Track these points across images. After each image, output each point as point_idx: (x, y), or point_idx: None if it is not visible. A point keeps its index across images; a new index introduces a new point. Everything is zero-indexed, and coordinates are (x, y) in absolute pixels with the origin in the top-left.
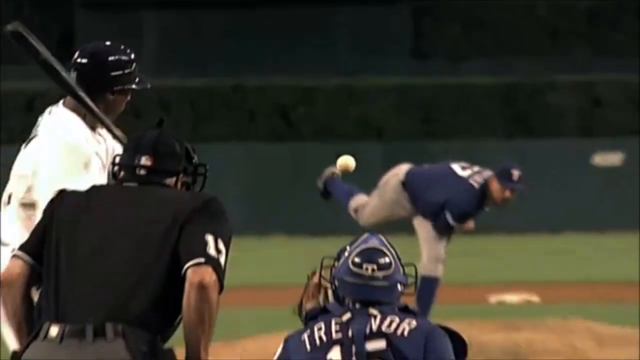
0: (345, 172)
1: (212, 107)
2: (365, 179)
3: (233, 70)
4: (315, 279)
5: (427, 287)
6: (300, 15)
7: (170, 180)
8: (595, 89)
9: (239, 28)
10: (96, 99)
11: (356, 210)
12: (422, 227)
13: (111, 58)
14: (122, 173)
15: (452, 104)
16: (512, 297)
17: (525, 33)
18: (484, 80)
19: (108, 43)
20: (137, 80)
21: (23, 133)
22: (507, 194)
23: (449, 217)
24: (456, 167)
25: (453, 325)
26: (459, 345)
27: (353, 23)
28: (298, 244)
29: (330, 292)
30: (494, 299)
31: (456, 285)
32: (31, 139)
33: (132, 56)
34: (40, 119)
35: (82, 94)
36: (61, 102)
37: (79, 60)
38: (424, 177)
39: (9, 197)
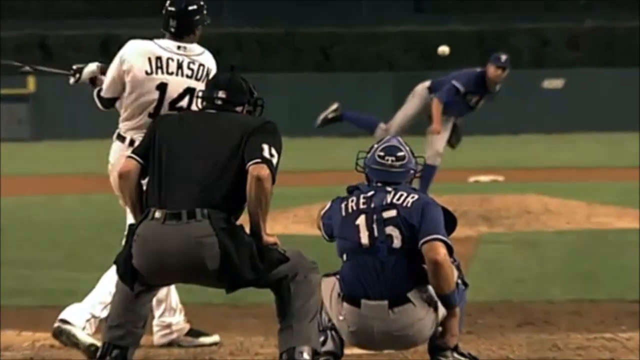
0: (442, 56)
1: (273, 47)
2: (379, 99)
3: (287, 20)
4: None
5: (429, 172)
6: None
7: (239, 108)
8: (544, 33)
9: None
10: (189, 35)
11: (387, 129)
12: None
13: (190, 8)
14: (204, 103)
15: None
16: (484, 178)
17: None
18: (465, 28)
19: None
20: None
21: None
22: (500, 72)
23: (459, 84)
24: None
25: (444, 199)
26: (451, 219)
27: None
28: (331, 142)
29: None
30: (471, 179)
31: (445, 170)
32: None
33: (202, 3)
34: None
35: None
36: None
37: (170, 9)
38: (443, 79)
39: None
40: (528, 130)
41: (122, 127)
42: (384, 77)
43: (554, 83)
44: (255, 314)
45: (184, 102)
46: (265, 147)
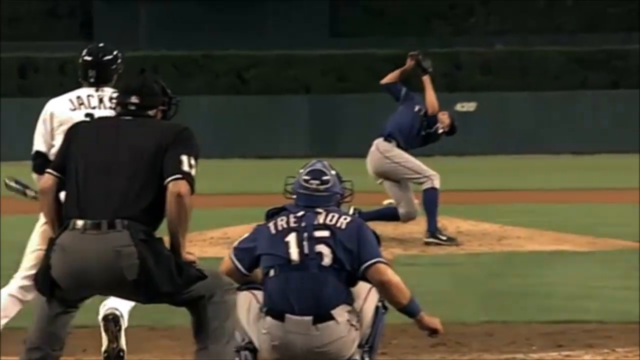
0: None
1: (189, 70)
2: (294, 123)
3: (203, 43)
4: None
5: (390, 217)
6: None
7: (153, 112)
8: (457, 57)
9: (207, 17)
10: (107, 84)
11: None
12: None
13: (107, 58)
14: (118, 108)
15: (359, 69)
16: None
17: (406, 17)
18: (380, 52)
19: (101, 45)
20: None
21: None
22: (448, 122)
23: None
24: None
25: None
26: (377, 239)
27: (284, 13)
28: (248, 163)
29: None
30: (385, 202)
31: (360, 192)
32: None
33: (117, 52)
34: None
35: None
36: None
37: (87, 59)
38: (388, 122)
39: None
40: (440, 152)
41: None
42: (299, 100)
43: (467, 106)
44: (172, 336)
45: None
46: (184, 158)
